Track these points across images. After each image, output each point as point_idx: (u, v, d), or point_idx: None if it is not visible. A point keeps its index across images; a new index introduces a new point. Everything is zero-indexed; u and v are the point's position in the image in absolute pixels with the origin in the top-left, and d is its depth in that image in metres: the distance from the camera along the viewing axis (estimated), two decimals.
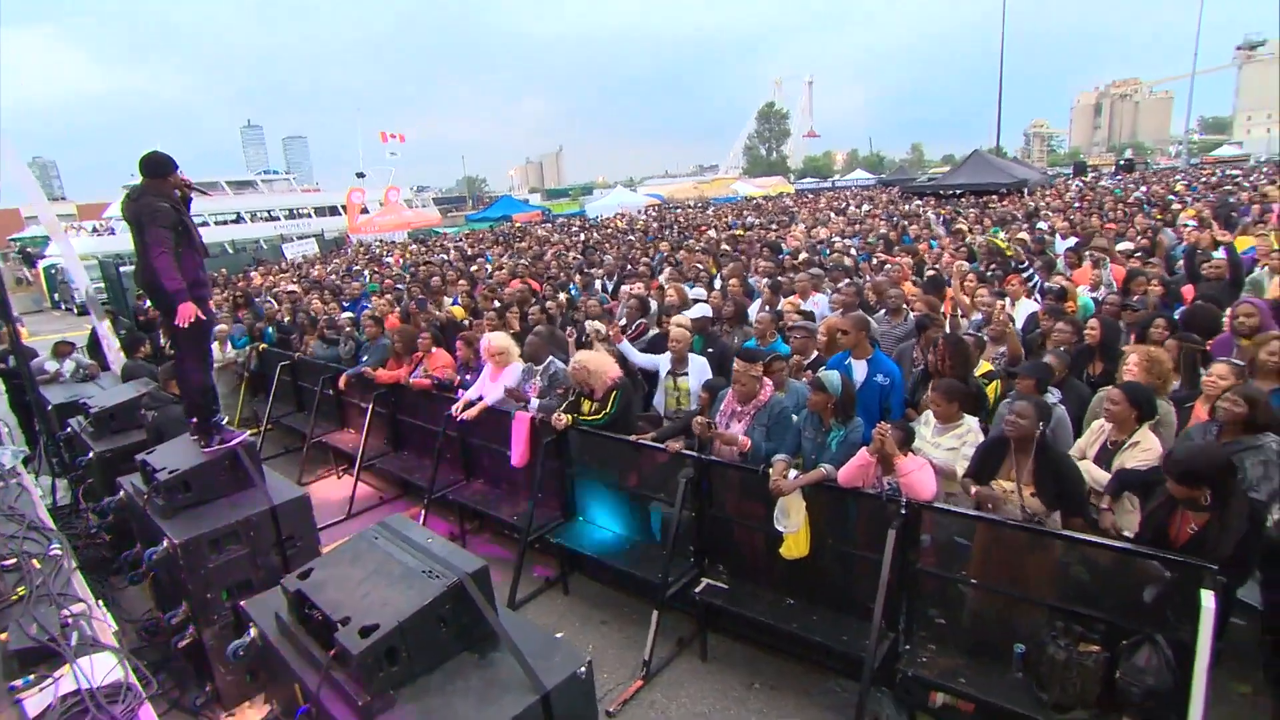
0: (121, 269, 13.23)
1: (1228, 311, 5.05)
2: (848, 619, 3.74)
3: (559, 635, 4.39)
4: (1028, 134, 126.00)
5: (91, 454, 4.44)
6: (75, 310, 21.02)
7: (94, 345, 8.00)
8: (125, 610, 3.70)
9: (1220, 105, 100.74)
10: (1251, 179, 23.56)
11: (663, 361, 5.41)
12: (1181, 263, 8.11)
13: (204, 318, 3.44)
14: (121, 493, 3.60)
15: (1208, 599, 2.70)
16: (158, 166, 3.41)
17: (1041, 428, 3.49)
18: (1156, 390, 4.01)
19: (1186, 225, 10.39)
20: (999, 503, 3.47)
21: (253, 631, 2.21)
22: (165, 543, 3.05)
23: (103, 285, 13.56)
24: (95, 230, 32.79)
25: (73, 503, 4.87)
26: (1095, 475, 3.68)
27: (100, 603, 2.48)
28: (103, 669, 1.94)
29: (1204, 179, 25.87)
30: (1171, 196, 18.19)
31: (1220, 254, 7.94)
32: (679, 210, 32.74)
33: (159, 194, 3.35)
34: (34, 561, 2.58)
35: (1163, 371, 4.14)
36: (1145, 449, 3.58)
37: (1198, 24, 43.21)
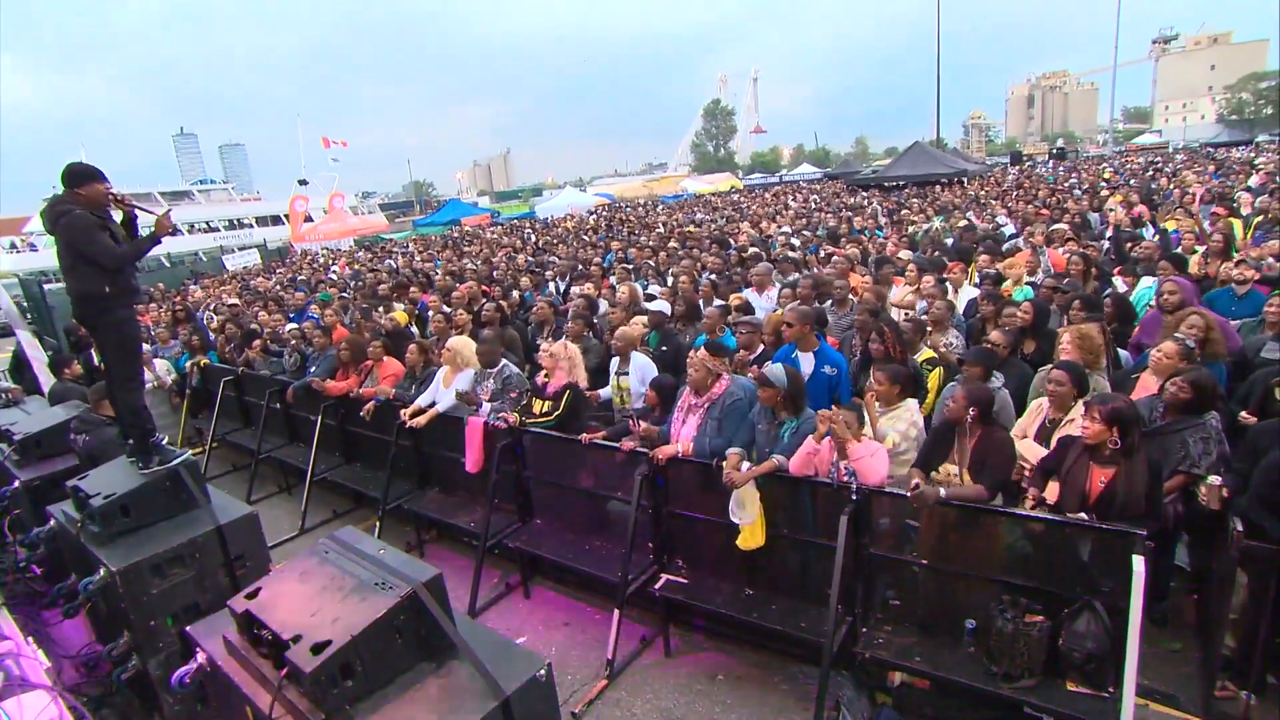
0: (45, 286, 12.54)
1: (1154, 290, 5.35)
2: (806, 606, 3.81)
3: (521, 640, 4.39)
4: (967, 125, 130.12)
5: (17, 483, 4.20)
6: None
7: (16, 368, 7.59)
8: (60, 646, 3.52)
9: (1140, 96, 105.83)
10: (1170, 166, 24.87)
11: (614, 364, 5.44)
12: (1108, 244, 8.54)
13: (119, 333, 3.32)
14: (52, 522, 3.42)
15: (1138, 563, 2.85)
16: (78, 176, 3.25)
17: (975, 411, 3.61)
18: (1089, 365, 4.23)
19: (1113, 210, 10.94)
20: (932, 500, 3.42)
21: (200, 657, 2.13)
22: (102, 571, 2.92)
23: (25, 304, 12.86)
24: (14, 247, 31.09)
25: None
26: (1036, 453, 3.84)
27: (30, 640, 2.36)
28: (34, 709, 1.85)
29: (1129, 165, 27.22)
30: (1102, 183, 19.08)
31: (1148, 234, 8.37)
32: (629, 210, 32.80)
33: (82, 204, 3.20)
34: None
35: (1094, 348, 4.35)
36: (1079, 423, 3.75)
37: (1117, 19, 45.32)
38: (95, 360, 7.24)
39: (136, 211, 3.46)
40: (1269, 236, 7.36)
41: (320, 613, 1.97)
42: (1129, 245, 8.00)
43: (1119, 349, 5.03)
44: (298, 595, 2.07)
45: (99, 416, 4.52)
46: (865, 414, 3.97)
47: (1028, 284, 6.73)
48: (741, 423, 4.15)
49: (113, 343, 3.41)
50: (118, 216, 3.40)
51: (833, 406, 4.15)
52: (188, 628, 2.28)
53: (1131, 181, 18.90)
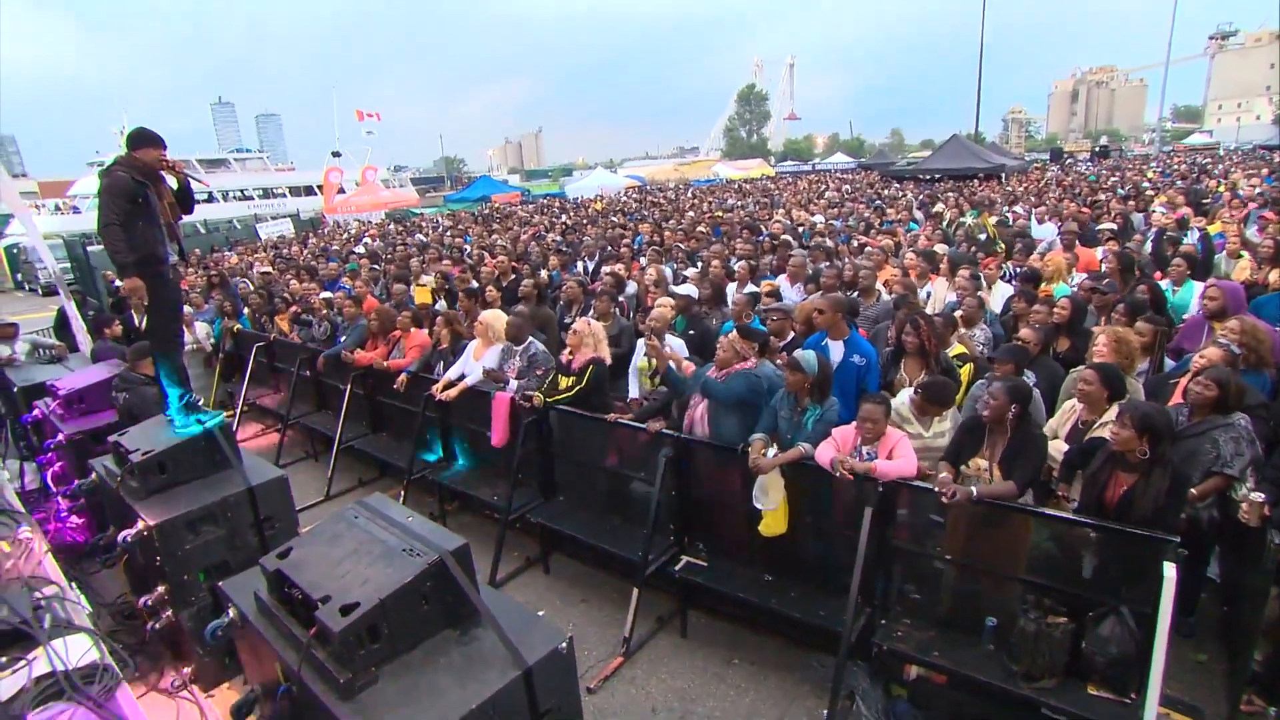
0: (89, 248, 12.85)
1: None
2: (825, 595, 3.80)
3: (540, 613, 4.44)
4: (1006, 120, 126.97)
5: (61, 436, 4.35)
6: (40, 291, 20.43)
7: (61, 326, 7.79)
8: (98, 594, 3.65)
9: (1192, 94, 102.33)
10: (1221, 167, 24.01)
11: (640, 344, 5.42)
12: (1150, 247, 8.29)
13: (155, 295, 3.39)
14: (93, 475, 3.53)
15: (1170, 570, 2.79)
16: (137, 140, 3.33)
17: (1017, 409, 3.54)
18: (1124, 369, 4.12)
19: (1156, 211, 10.61)
20: (964, 499, 3.34)
21: (231, 612, 2.19)
22: (140, 525, 3.01)
23: (69, 265, 13.19)
24: (58, 209, 31.84)
25: (41, 486, 4.77)
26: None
27: (73, 585, 2.44)
28: (77, 651, 1.91)
29: (1176, 167, 26.33)
30: (1146, 183, 18.50)
31: (1192, 237, 8.10)
32: (661, 194, 32.60)
33: (129, 166, 3.27)
34: (3, 545, 2.53)
35: (1130, 351, 4.24)
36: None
37: (1172, 13, 43.56)
38: (136, 321, 7.43)
39: (190, 180, 3.54)
40: None
41: (349, 575, 2.01)
42: (1169, 249, 7.77)
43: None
44: (327, 557, 2.12)
45: (139, 375, 4.64)
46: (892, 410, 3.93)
47: (1063, 283, 6.57)
48: (746, 383, 4.13)
49: (153, 304, 3.49)
50: (173, 183, 3.48)
51: (858, 397, 4.13)
52: (220, 583, 2.34)
53: (1179, 183, 18.29)
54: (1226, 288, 5.03)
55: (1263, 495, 3.24)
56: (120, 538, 3.03)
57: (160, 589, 3.04)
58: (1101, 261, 6.98)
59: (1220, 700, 3.45)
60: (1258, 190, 12.52)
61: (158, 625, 3.03)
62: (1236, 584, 3.86)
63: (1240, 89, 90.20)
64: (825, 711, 3.45)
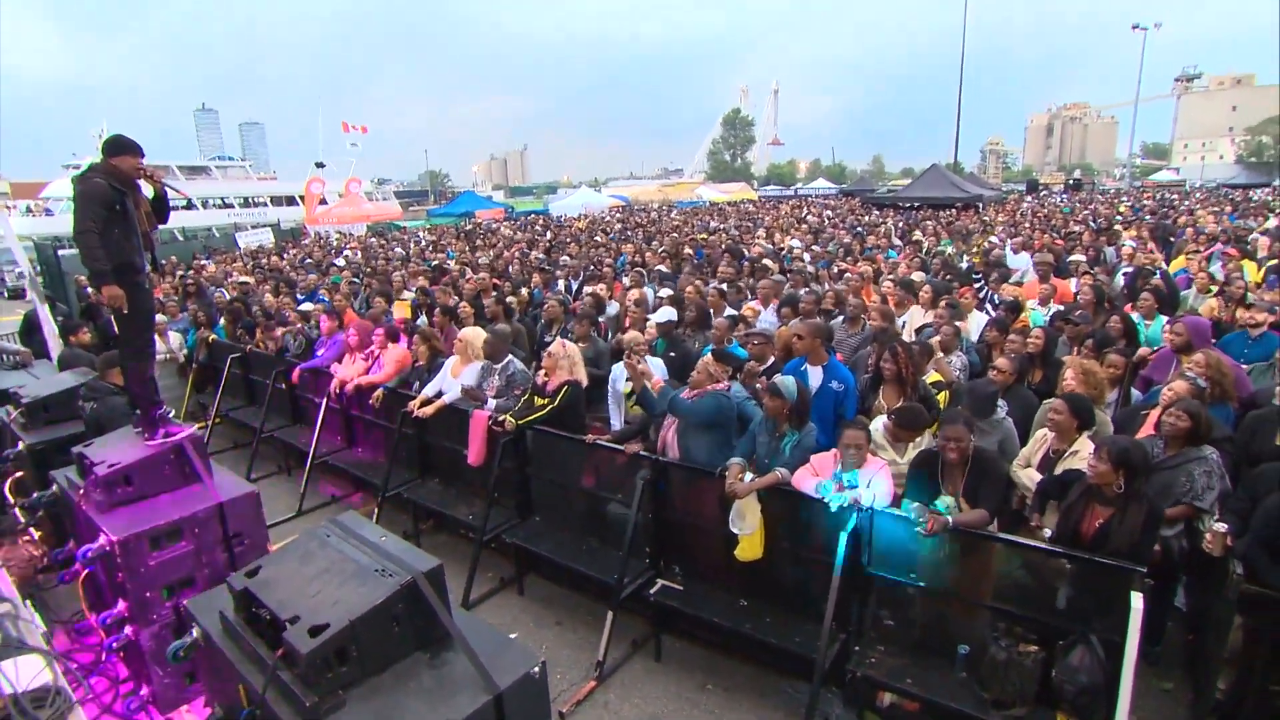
0: (60, 252, 12.61)
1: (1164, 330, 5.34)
2: (800, 620, 3.80)
3: (513, 636, 4.38)
4: (984, 150, 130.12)
5: (21, 445, 4.22)
6: (6, 294, 19.96)
7: (28, 331, 7.62)
8: (54, 612, 3.53)
9: (1160, 133, 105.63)
10: (1186, 204, 24.81)
11: (618, 369, 5.41)
12: (1122, 280, 8.51)
13: (129, 303, 3.33)
14: (54, 486, 3.44)
15: (1136, 600, 2.84)
16: (113, 147, 3.29)
17: (970, 441, 3.60)
18: (1093, 400, 4.21)
19: (1126, 244, 10.92)
20: (941, 528, 3.36)
21: (195, 631, 2.13)
22: (102, 539, 2.93)
23: (39, 268, 12.93)
24: (29, 210, 31.24)
25: None
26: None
27: (28, 602, 2.37)
28: (29, 672, 1.85)
29: (1144, 202, 27.16)
30: (1118, 216, 19.05)
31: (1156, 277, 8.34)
32: (644, 214, 32.83)
33: (106, 173, 3.23)
34: None
35: (1097, 382, 4.35)
36: (1083, 457, 3.74)
37: (1141, 55, 45.28)
38: (114, 329, 7.28)
39: (167, 190, 3.50)
40: None
41: (320, 595, 1.97)
42: (1142, 283, 7.98)
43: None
44: (297, 576, 2.07)
45: (107, 384, 4.54)
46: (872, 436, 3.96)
47: (1039, 311, 6.72)
48: (714, 404, 4.16)
49: (124, 312, 3.43)
50: (149, 191, 3.44)
51: (836, 424, 4.17)
52: (184, 601, 2.28)
53: (1148, 218, 18.85)
54: (1190, 323, 5.17)
55: (1225, 526, 3.32)
56: (80, 552, 2.94)
57: (120, 606, 2.95)
58: (1076, 294, 7.14)
59: None
60: (1221, 229, 12.93)
61: (116, 644, 2.94)
62: (1202, 614, 3.93)
63: (1205, 130, 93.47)
64: None
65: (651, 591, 4.20)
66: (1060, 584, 3.27)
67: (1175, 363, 4.91)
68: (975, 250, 10.97)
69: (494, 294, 8.09)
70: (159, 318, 8.30)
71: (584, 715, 3.84)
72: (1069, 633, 3.10)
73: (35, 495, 3.62)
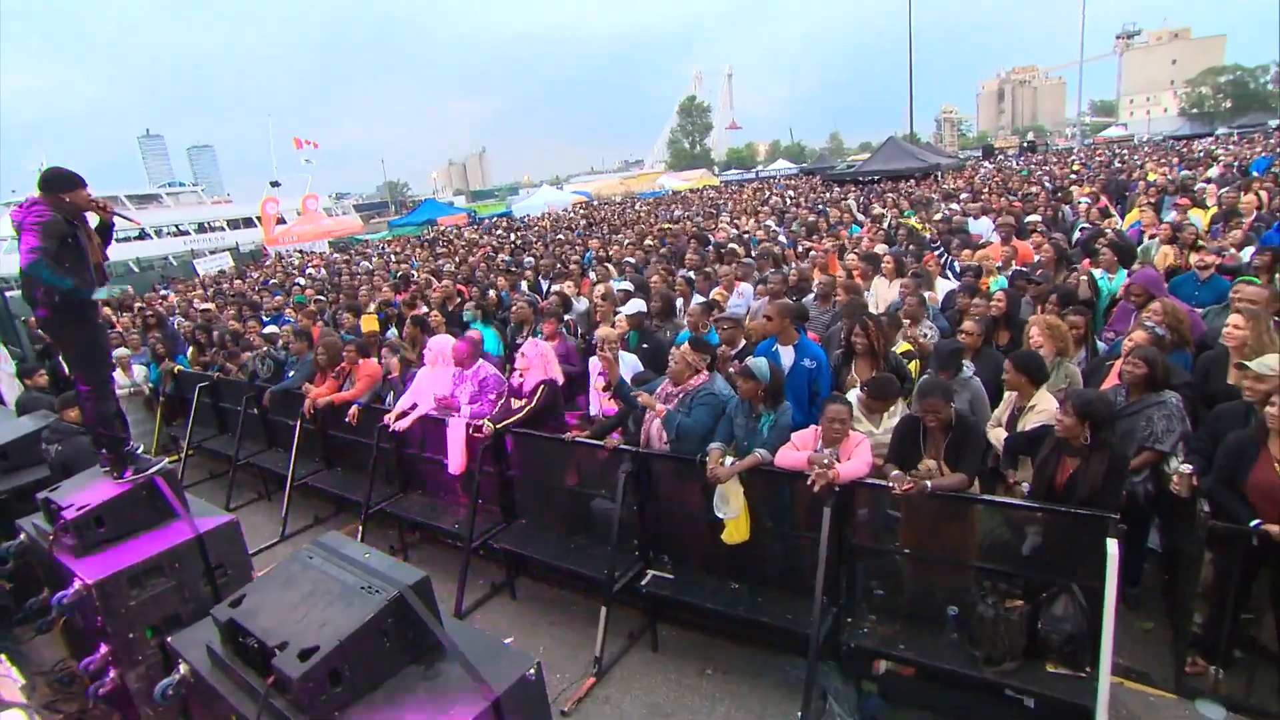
0: (8, 294, 12.18)
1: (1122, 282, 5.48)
2: (792, 598, 3.84)
3: (508, 640, 4.38)
4: (939, 120, 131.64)
5: None
6: None
7: None
8: (34, 663, 3.45)
9: (1106, 90, 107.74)
10: (1136, 158, 25.43)
11: (593, 362, 5.42)
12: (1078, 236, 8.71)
13: (83, 338, 3.25)
14: (22, 535, 3.34)
15: (1112, 546, 2.92)
16: (57, 182, 3.16)
17: (949, 410, 3.66)
18: (1060, 354, 4.32)
19: (1081, 201, 11.16)
20: (920, 494, 3.41)
21: (183, 668, 2.10)
22: (77, 584, 2.86)
23: None
24: None
25: None
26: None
27: (3, 657, 2.30)
28: None
29: (1097, 158, 27.77)
30: (1071, 175, 19.44)
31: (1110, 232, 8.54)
32: (608, 207, 32.74)
33: (54, 207, 3.12)
34: None
35: (1063, 335, 4.45)
36: (1041, 410, 3.86)
37: (1082, 15, 46.15)
38: (65, 369, 7.08)
39: (112, 220, 3.39)
40: (1230, 227, 7.55)
41: (306, 618, 1.95)
42: (1094, 239, 8.16)
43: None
44: (283, 602, 2.05)
45: (70, 425, 4.42)
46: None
47: (1001, 275, 6.85)
48: (710, 413, 4.18)
49: (76, 351, 3.34)
50: (94, 222, 3.33)
51: (811, 400, 4.21)
52: (169, 639, 2.24)
53: (1101, 175, 19.27)
54: (1142, 279, 5.27)
55: (1191, 467, 3.43)
56: (55, 599, 2.87)
57: (103, 650, 2.89)
58: (1036, 253, 7.29)
59: (1168, 665, 3.62)
60: (1169, 179, 13.28)
61: (102, 690, 2.88)
62: (1175, 553, 4.06)
63: (1148, 84, 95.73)
64: (800, 713, 3.48)
65: (643, 583, 4.21)
66: (1038, 537, 3.35)
67: (1135, 313, 5.03)
68: (927, 220, 11.13)
69: (459, 300, 8.02)
70: (121, 351, 8.10)
71: (586, 712, 3.85)
72: (1051, 584, 3.19)
73: (3, 546, 3.51)
